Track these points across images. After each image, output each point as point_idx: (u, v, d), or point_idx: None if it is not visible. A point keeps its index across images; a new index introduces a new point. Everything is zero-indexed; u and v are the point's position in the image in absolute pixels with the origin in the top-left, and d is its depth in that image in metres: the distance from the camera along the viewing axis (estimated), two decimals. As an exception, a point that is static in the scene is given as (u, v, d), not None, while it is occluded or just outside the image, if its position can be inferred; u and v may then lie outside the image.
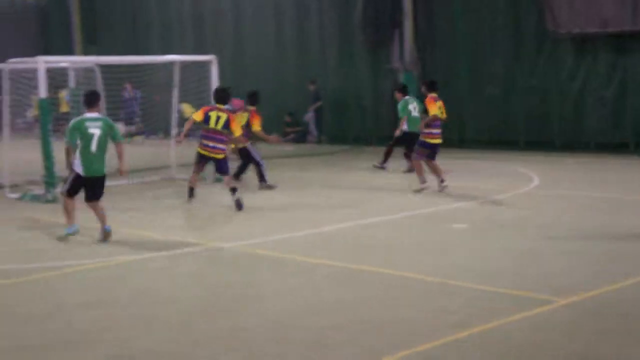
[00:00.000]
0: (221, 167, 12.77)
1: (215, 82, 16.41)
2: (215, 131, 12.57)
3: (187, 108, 23.20)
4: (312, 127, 24.85)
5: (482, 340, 6.04)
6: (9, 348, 6.17)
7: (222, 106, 12.96)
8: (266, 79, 25.74)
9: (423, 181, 13.73)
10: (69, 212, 10.42)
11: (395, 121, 22.89)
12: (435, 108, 13.97)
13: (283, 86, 25.84)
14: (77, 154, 10.18)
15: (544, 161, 18.16)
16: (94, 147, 10.16)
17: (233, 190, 12.43)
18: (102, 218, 10.40)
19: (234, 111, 14.40)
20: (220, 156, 12.64)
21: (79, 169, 10.21)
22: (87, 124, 10.22)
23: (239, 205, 12.20)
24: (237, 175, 14.73)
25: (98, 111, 10.54)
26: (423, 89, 14.71)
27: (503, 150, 20.41)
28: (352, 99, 24.02)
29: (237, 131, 12.92)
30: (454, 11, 21.96)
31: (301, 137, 24.89)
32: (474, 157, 19.52)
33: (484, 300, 7.11)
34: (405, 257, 9.02)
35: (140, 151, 20.31)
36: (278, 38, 25.80)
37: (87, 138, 10.14)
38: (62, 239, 10.30)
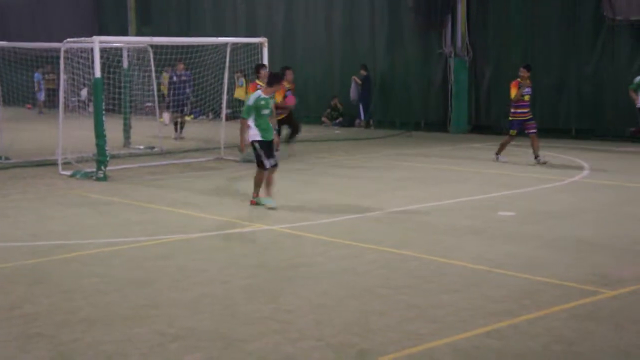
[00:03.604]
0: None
1: (265, 64, 16.49)
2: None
3: (239, 94, 23.48)
4: (360, 112, 24.82)
5: (525, 330, 6.01)
6: (64, 321, 6.34)
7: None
8: (315, 63, 25.78)
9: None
10: (268, 184, 11.17)
11: (447, 106, 22.85)
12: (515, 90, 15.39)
13: (331, 70, 25.85)
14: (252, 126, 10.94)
15: (595, 150, 17.86)
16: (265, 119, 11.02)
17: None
18: (269, 184, 11.16)
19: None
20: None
21: (259, 136, 10.96)
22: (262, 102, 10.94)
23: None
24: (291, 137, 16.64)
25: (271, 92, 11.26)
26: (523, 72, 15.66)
27: (554, 139, 20.13)
28: (401, 84, 23.91)
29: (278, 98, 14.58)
30: (508, -4, 21.68)
31: (349, 122, 24.89)
32: (523, 145, 19.26)
33: (528, 290, 7.06)
34: (451, 243, 8.99)
35: (190, 132, 20.55)
36: (328, 22, 25.76)
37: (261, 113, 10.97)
38: (268, 208, 10.95)
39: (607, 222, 10.15)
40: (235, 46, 17.75)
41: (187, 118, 22.66)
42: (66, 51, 15.56)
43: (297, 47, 26.57)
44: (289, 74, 14.48)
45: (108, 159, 14.25)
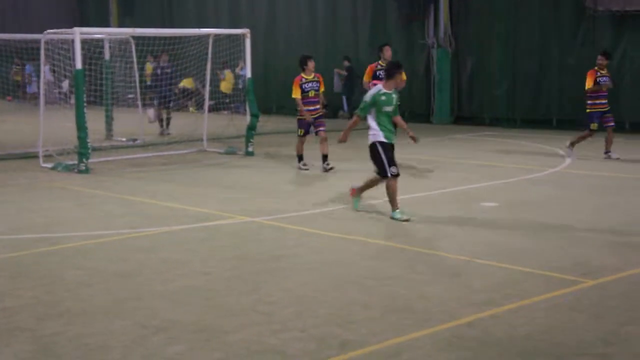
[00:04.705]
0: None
1: (248, 56, 16.46)
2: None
3: (187, 83, 23.23)
4: (344, 103, 24.80)
5: (507, 320, 6.04)
6: (45, 314, 6.31)
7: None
8: (297, 54, 25.68)
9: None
10: (395, 195, 9.74)
11: (430, 97, 22.88)
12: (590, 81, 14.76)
13: (314, 61, 25.74)
14: (375, 125, 9.68)
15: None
16: (387, 118, 9.78)
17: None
18: (370, 185, 10.03)
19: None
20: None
21: (381, 137, 9.68)
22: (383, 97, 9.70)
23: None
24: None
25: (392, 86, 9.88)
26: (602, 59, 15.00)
27: (535, 129, 20.25)
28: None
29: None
30: (490, -13, 21.73)
31: (332, 113, 24.87)
32: (506, 136, 19.37)
33: (510, 280, 7.11)
34: (434, 234, 9.02)
35: (173, 123, 20.45)
36: (311, 13, 25.71)
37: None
38: (400, 220, 9.62)
39: (588, 212, 10.22)
40: (217, 37, 17.68)
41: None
42: (47, 42, 15.44)
43: (279, 39, 26.51)
44: (311, 63, 14.06)
45: (90, 151, 14.17)
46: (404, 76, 10.60)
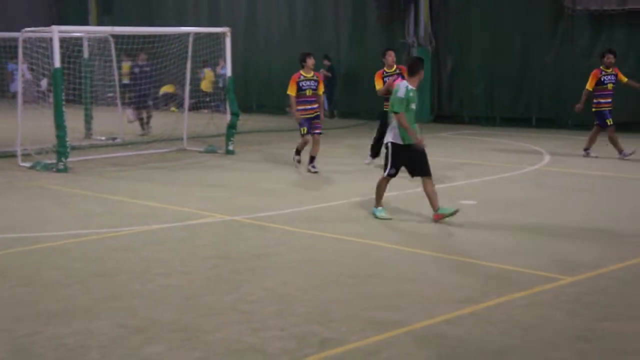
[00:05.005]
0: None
1: (228, 55, 16.43)
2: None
3: (168, 88, 23.16)
4: (325, 102, 24.81)
5: (485, 317, 6.08)
6: (23, 314, 6.27)
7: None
8: (278, 53, 25.69)
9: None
10: (381, 194, 9.79)
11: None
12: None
13: (295, 61, 25.73)
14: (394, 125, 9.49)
15: (555, 139, 18.09)
16: (413, 116, 9.61)
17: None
18: (432, 197, 9.51)
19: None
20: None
21: (397, 138, 9.52)
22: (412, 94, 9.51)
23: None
24: None
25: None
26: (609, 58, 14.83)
27: (515, 127, 20.37)
28: (364, 74, 23.95)
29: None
30: (469, -14, 21.83)
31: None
32: (485, 134, 19.47)
33: (489, 277, 7.15)
34: (413, 232, 9.06)
35: (154, 122, 20.37)
36: (291, 13, 25.70)
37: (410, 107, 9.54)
38: (380, 219, 9.65)
39: (566, 209, 10.30)
40: (197, 36, 17.63)
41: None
42: (25, 41, 15.32)
43: (259, 38, 26.48)
44: (310, 61, 13.80)
45: (69, 150, 14.08)
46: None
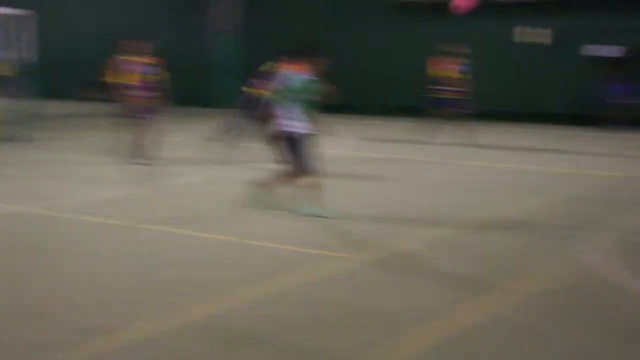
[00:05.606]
0: None
1: (31, 39, 15.72)
2: None
3: None
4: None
5: (262, 298, 6.07)
6: None
7: None
8: (78, 40, 24.76)
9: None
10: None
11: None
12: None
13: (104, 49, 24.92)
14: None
15: (359, 125, 18.61)
16: None
17: None
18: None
19: None
20: None
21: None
22: None
23: None
24: None
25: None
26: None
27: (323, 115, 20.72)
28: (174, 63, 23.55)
29: None
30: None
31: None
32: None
33: (273, 258, 7.17)
34: (200, 218, 8.98)
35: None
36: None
37: None
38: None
39: (357, 195, 10.57)
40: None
41: None
42: None
43: (61, 22, 25.37)
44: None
45: None
46: None
